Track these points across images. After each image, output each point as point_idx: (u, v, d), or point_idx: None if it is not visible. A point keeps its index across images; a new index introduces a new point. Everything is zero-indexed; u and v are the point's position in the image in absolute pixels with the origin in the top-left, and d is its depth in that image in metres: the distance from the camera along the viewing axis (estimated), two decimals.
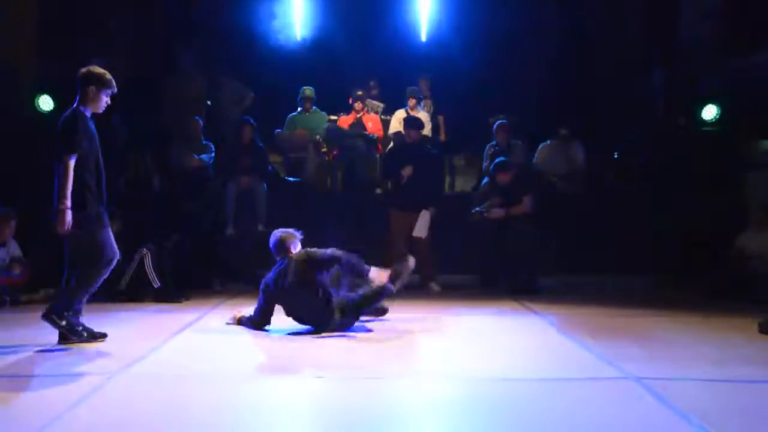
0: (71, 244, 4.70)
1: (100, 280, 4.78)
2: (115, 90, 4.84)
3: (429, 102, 10.03)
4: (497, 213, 7.64)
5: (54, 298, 4.81)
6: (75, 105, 4.75)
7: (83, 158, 4.61)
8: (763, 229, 7.54)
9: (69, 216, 4.53)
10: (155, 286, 6.83)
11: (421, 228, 7.61)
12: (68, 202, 4.53)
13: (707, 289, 7.42)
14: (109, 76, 4.79)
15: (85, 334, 4.74)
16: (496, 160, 7.91)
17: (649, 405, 3.56)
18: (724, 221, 7.91)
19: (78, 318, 4.76)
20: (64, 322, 4.65)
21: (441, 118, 9.90)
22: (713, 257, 7.79)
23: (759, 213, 7.61)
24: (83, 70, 4.78)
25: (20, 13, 8.76)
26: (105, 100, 4.80)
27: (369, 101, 10.03)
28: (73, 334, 4.68)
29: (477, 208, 7.79)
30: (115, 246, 4.80)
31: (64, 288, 4.72)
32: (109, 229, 4.79)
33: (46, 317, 4.63)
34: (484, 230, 7.75)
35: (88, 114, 4.76)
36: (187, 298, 6.80)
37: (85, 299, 4.78)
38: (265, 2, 9.98)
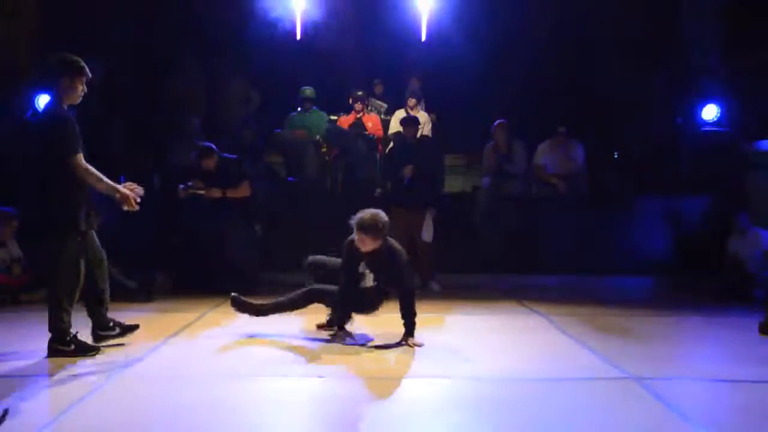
0: (56, 246, 4.43)
1: (80, 283, 4.53)
2: (90, 76, 4.49)
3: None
4: (214, 192, 7.35)
5: (49, 327, 4.49)
6: (54, 101, 4.42)
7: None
8: (744, 234, 7.57)
9: (127, 191, 4.46)
10: (128, 287, 6.76)
11: (427, 232, 7.62)
12: (116, 185, 4.45)
13: (707, 289, 7.43)
14: (82, 62, 4.43)
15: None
16: (202, 145, 7.61)
17: (649, 405, 3.56)
18: (723, 221, 7.91)
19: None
20: (72, 347, 4.46)
21: (432, 116, 9.89)
22: (713, 257, 7.80)
23: (739, 221, 7.62)
24: (53, 59, 4.43)
25: (20, 14, 8.75)
26: (81, 89, 4.46)
27: (373, 101, 10.02)
28: (89, 351, 4.49)
29: (182, 186, 7.44)
30: (101, 249, 4.67)
31: (52, 314, 4.45)
32: (94, 234, 4.64)
33: (52, 351, 4.42)
34: (195, 215, 7.50)
35: (66, 107, 4.45)
36: (150, 299, 6.77)
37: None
38: (266, 2, 9.98)
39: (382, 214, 4.80)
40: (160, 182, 8.66)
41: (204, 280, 7.39)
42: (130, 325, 4.87)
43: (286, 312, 5.17)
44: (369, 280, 4.96)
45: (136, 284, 6.85)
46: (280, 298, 5.18)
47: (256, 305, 5.21)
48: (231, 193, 7.42)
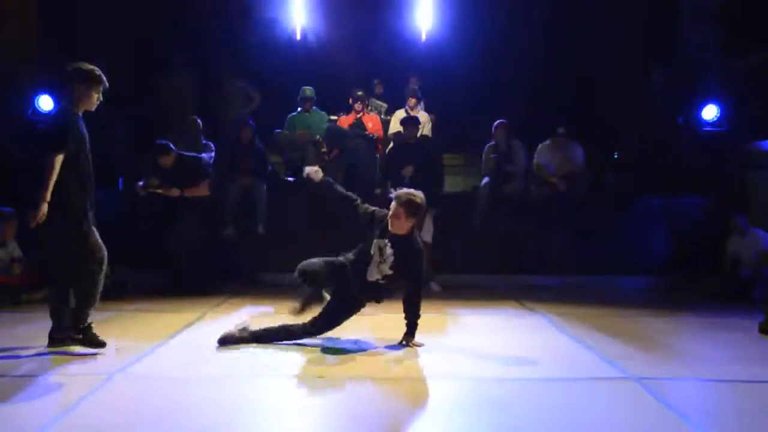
0: (58, 246, 4.52)
1: (101, 280, 4.61)
2: (107, 86, 4.60)
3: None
4: (173, 191, 7.31)
5: (56, 319, 4.56)
6: (66, 104, 4.58)
7: (70, 158, 4.44)
8: (742, 235, 7.58)
9: (45, 210, 4.35)
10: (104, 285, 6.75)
11: (427, 232, 7.62)
12: (48, 197, 4.34)
13: (707, 289, 7.43)
14: (98, 71, 4.56)
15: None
16: (156, 142, 7.47)
17: (649, 405, 3.56)
18: (723, 222, 7.91)
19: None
20: (81, 336, 4.53)
21: (432, 117, 9.90)
22: (713, 258, 7.80)
23: (737, 222, 7.63)
24: (70, 67, 4.56)
25: (20, 14, 8.75)
26: (97, 97, 4.57)
27: (373, 100, 10.02)
28: (95, 345, 4.52)
29: (140, 184, 7.37)
30: (102, 244, 4.67)
31: (67, 306, 4.53)
32: (94, 228, 4.65)
33: (52, 343, 4.48)
34: (155, 213, 7.42)
35: (80, 113, 4.57)
36: (123, 296, 6.83)
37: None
38: (266, 3, 9.99)
39: (422, 196, 4.75)
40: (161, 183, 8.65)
41: (176, 281, 7.37)
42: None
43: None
44: (385, 268, 4.72)
45: (111, 282, 6.88)
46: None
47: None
48: (189, 192, 7.40)
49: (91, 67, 4.57)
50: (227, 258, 8.08)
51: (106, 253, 4.69)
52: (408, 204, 4.65)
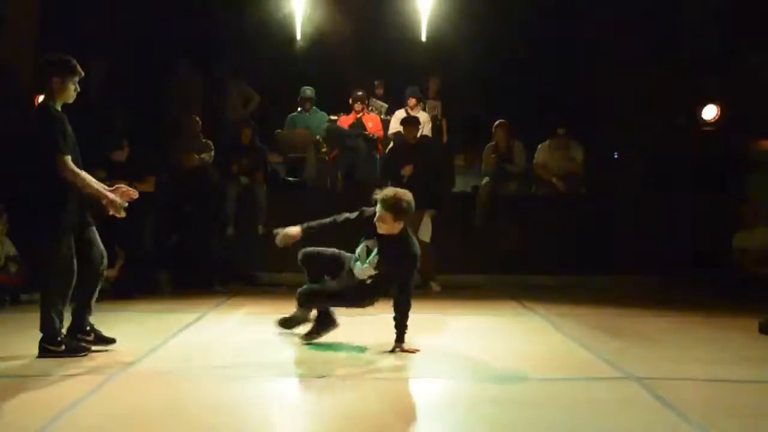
0: (48, 247, 4.38)
1: (73, 283, 4.45)
2: (82, 74, 4.45)
3: (437, 103, 10.04)
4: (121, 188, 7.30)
5: (40, 327, 4.42)
6: (43, 101, 4.43)
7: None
8: (753, 228, 7.59)
9: (113, 196, 4.38)
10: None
11: (425, 232, 7.61)
12: (103, 190, 4.38)
13: (707, 289, 7.43)
14: (73, 61, 4.40)
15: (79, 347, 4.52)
16: (111, 135, 7.45)
17: (649, 405, 3.56)
18: (724, 221, 7.91)
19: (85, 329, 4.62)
20: (63, 347, 4.40)
21: (443, 120, 9.94)
22: (713, 257, 7.80)
23: (748, 212, 7.64)
24: (44, 59, 4.43)
25: (20, 13, 8.75)
26: (74, 88, 4.43)
27: (373, 101, 10.05)
28: (79, 352, 4.43)
29: None
30: (101, 249, 4.61)
31: (43, 315, 4.38)
32: (94, 231, 4.60)
33: (42, 351, 4.37)
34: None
35: (59, 107, 4.42)
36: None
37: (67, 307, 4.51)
38: (267, 2, 9.99)
39: (409, 196, 4.54)
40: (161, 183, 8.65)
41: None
42: (108, 337, 4.71)
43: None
44: (369, 269, 4.61)
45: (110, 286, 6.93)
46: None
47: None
48: (140, 186, 7.29)
49: (66, 57, 4.43)
50: (227, 258, 8.07)
51: (105, 260, 4.64)
52: (394, 207, 4.48)
